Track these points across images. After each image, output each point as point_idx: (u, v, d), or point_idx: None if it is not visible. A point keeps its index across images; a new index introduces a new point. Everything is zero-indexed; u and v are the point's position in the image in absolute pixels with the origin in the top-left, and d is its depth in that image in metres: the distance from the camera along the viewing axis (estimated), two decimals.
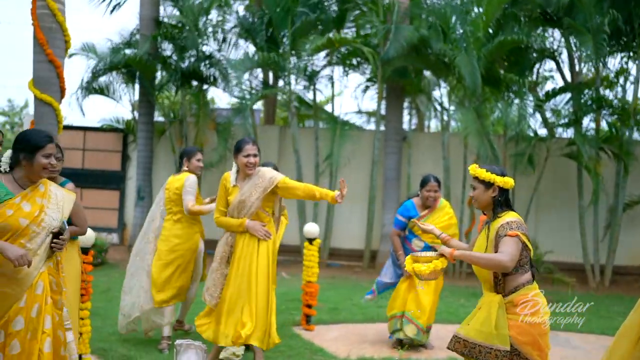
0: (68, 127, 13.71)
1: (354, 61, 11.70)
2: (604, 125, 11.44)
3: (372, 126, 14.07)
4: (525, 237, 3.18)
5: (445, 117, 11.83)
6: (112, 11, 12.11)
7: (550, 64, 12.40)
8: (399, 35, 9.78)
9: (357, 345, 5.72)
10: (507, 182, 3.28)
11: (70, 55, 11.99)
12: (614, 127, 10.77)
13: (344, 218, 11.80)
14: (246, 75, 11.77)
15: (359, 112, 14.48)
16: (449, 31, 9.99)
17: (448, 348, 3.32)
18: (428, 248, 5.35)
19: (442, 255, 3.31)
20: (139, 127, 11.92)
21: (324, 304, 7.45)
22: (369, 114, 14.40)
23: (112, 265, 10.18)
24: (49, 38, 6.67)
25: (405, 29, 9.96)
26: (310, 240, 6.35)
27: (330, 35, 10.54)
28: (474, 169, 3.33)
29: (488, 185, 3.28)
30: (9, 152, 3.24)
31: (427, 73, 12.06)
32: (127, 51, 11.84)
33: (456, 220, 5.74)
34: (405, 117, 13.50)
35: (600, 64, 10.33)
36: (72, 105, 12.02)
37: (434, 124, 18.33)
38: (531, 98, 10.45)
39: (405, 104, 13.34)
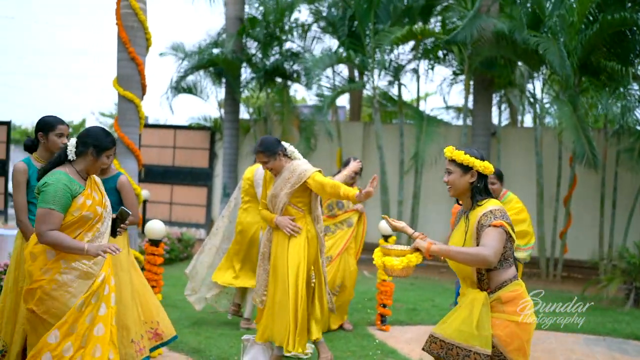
0: (159, 126, 14.30)
1: (440, 54, 11.24)
2: None
3: (460, 122, 13.53)
4: (510, 228, 2.89)
5: (539, 111, 11.11)
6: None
7: None
8: (474, 22, 9.20)
9: None
10: (487, 167, 3.00)
11: (162, 54, 12.49)
12: None
13: (429, 217, 11.41)
14: (329, 72, 11.66)
15: (447, 107, 13.95)
16: (544, 17, 9.34)
17: (423, 349, 3.02)
18: None
19: (417, 249, 2.99)
20: (225, 125, 12.15)
21: (403, 304, 7.18)
22: (459, 110, 13.85)
23: None
24: (131, 37, 6.87)
25: (482, 16, 9.38)
26: (385, 238, 6.10)
27: (416, 26, 10.16)
28: (451, 151, 3.05)
29: (466, 169, 3.00)
30: (73, 141, 3.36)
31: (520, 63, 11.36)
32: (215, 50, 12.10)
33: (526, 217, 5.30)
34: (497, 112, 12.85)
35: None
36: (163, 104, 12.45)
37: (529, 119, 17.39)
38: (637, 88, 9.56)
39: (497, 98, 12.71)
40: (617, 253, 8.80)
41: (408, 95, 21.44)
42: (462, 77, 11.26)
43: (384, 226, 6.15)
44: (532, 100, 11.74)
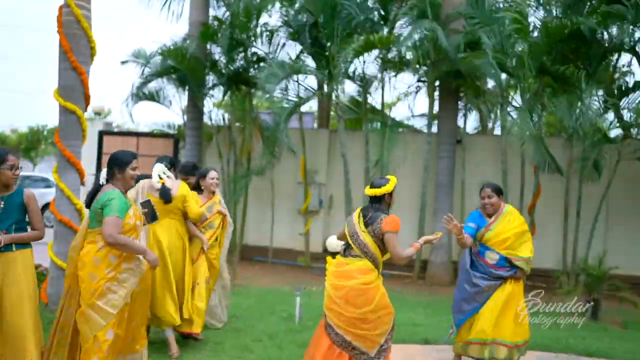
0: (122, 133, 14.01)
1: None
2: None
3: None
4: None
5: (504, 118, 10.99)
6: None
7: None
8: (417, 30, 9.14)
9: None
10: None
11: (124, 62, 12.20)
12: None
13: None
14: (292, 79, 11.44)
15: (412, 115, 13.87)
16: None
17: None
18: (503, 259, 4.99)
19: None
20: (187, 132, 11.90)
21: None
22: (432, 117, 13.76)
23: None
24: (73, 45, 6.58)
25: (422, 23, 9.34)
26: (333, 255, 5.89)
27: (376, 35, 9.96)
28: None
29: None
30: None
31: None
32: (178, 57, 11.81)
33: (527, 228, 5.19)
34: (466, 119, 12.73)
35: None
36: (124, 111, 12.19)
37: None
38: (602, 95, 9.42)
39: (466, 105, 12.58)
40: (576, 265, 8.68)
41: (374, 103, 21.30)
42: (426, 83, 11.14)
43: (332, 243, 5.94)
44: (500, 107, 11.65)
